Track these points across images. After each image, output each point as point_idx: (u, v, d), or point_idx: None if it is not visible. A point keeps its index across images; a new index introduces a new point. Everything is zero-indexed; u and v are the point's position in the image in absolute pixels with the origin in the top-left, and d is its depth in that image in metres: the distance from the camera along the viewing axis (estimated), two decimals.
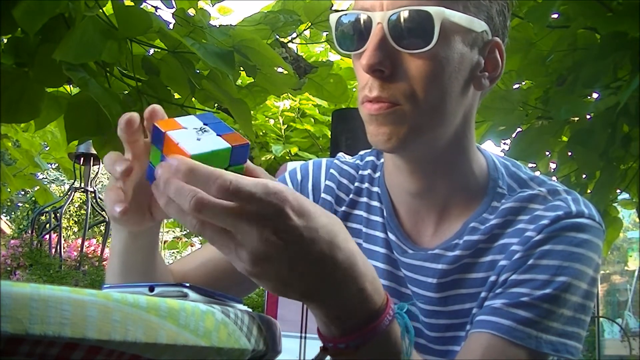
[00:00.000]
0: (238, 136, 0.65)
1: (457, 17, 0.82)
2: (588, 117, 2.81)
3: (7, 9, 1.73)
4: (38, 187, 4.22)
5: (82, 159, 5.83)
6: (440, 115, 0.85)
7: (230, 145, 0.63)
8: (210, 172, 0.58)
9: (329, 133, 3.94)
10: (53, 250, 6.21)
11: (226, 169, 0.61)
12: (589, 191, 2.93)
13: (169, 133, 0.63)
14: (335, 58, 3.83)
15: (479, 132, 3.12)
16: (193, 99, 2.16)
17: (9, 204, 11.49)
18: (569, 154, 2.96)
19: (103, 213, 6.42)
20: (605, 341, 8.18)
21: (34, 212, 8.76)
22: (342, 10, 0.88)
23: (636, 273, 9.39)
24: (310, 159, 1.10)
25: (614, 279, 9.94)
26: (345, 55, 2.97)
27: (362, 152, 1.07)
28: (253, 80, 2.38)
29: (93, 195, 6.22)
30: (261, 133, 4.58)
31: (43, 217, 6.86)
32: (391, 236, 0.96)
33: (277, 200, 0.58)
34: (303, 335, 1.84)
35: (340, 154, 1.09)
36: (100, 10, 1.88)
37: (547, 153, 3.19)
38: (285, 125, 4.59)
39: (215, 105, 2.50)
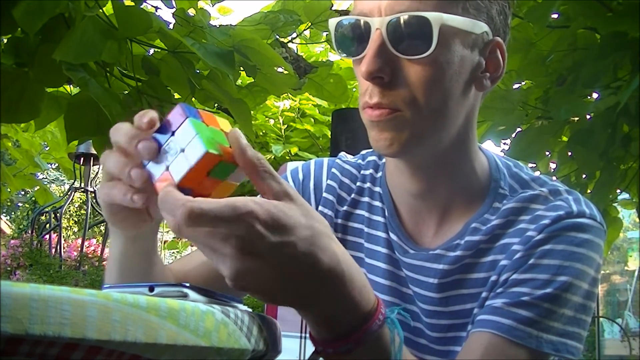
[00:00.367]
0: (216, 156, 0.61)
1: (456, 20, 0.81)
2: (588, 117, 2.81)
3: (7, 9, 1.73)
4: (38, 187, 4.22)
5: (82, 159, 5.83)
6: (442, 119, 0.85)
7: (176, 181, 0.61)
8: (175, 200, 0.58)
9: (329, 133, 3.94)
10: (53, 250, 6.22)
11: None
12: (589, 191, 2.93)
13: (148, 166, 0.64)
14: (335, 58, 3.83)
15: (479, 132, 3.10)
16: (193, 99, 2.16)
17: (9, 204, 11.49)
18: (569, 154, 2.96)
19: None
20: (605, 341, 8.18)
21: (34, 212, 8.76)
22: (342, 11, 0.87)
23: (636, 273, 9.39)
24: (310, 159, 1.10)
25: (614, 279, 9.94)
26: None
27: (363, 152, 1.07)
28: (253, 80, 2.38)
29: (93, 195, 6.21)
30: (261, 133, 4.58)
31: (43, 217, 6.86)
32: (393, 236, 0.96)
33: (246, 219, 0.57)
34: (303, 335, 1.84)
35: (342, 154, 1.09)
36: (100, 10, 1.88)
37: (547, 153, 3.19)
38: (285, 125, 4.60)
39: (215, 105, 2.50)
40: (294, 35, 2.68)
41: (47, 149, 4.12)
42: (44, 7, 1.71)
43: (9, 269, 6.39)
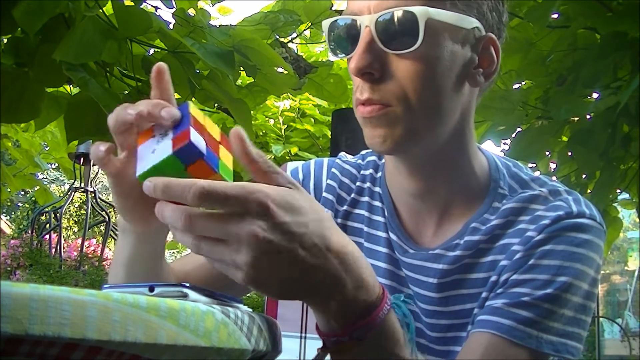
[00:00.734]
0: (185, 133, 0.62)
1: (443, 15, 0.82)
2: (588, 117, 2.81)
3: (7, 9, 1.73)
4: (38, 187, 4.22)
5: (82, 159, 5.82)
6: (435, 115, 0.85)
7: (170, 153, 0.61)
8: (183, 183, 0.58)
9: (329, 133, 3.94)
10: (53, 250, 6.22)
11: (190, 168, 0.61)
12: (589, 191, 2.93)
13: (139, 148, 0.64)
14: (335, 58, 3.83)
15: (479, 132, 3.11)
16: (193, 99, 2.16)
17: (9, 204, 11.49)
18: (569, 154, 2.96)
19: (103, 213, 6.42)
20: (605, 341, 8.19)
21: (34, 212, 8.76)
22: (342, 11, 0.88)
23: (636, 273, 9.39)
24: (310, 159, 1.10)
25: (614, 279, 9.94)
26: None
27: (363, 152, 1.07)
28: (253, 80, 2.38)
29: (93, 195, 6.22)
30: (261, 133, 4.58)
31: (43, 217, 6.86)
32: (392, 236, 0.96)
33: (259, 198, 0.58)
34: (303, 335, 1.84)
35: (342, 154, 1.09)
36: (100, 10, 1.88)
37: (547, 153, 3.19)
38: (285, 125, 4.59)
39: (215, 105, 2.50)
40: (294, 35, 2.68)
41: (47, 149, 4.12)
42: (44, 7, 1.71)
43: (9, 269, 6.39)
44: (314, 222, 0.62)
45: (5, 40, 2.01)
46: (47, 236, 6.33)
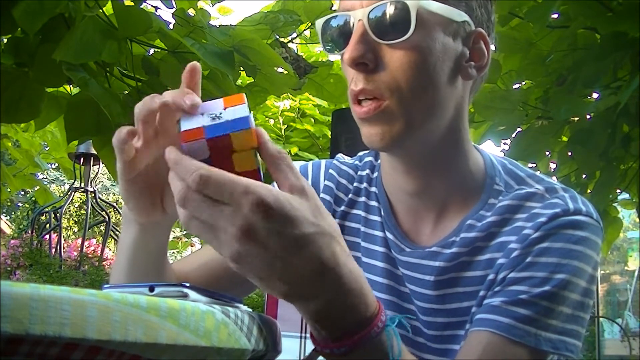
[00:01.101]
0: (251, 134, 0.63)
1: (434, 6, 0.83)
2: (588, 117, 2.81)
3: (7, 9, 1.73)
4: (38, 187, 4.22)
5: (82, 159, 5.83)
6: (429, 107, 0.86)
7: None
8: (189, 164, 0.60)
9: (329, 133, 3.94)
10: (53, 250, 6.21)
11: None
12: (589, 191, 2.94)
13: (181, 120, 0.65)
14: (335, 58, 3.83)
15: (479, 132, 3.12)
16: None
17: (9, 204, 11.50)
18: (569, 154, 2.96)
19: (103, 213, 6.42)
20: (605, 341, 8.19)
21: (34, 212, 8.76)
22: (337, 12, 0.89)
23: (636, 273, 9.39)
24: (310, 159, 1.11)
25: (614, 279, 9.95)
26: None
27: (361, 153, 1.07)
28: (253, 80, 2.38)
29: (93, 195, 6.22)
30: None
31: (43, 217, 6.86)
32: (389, 235, 0.96)
33: (252, 198, 0.59)
34: (303, 335, 1.84)
35: (340, 155, 1.09)
36: (100, 10, 1.88)
37: (547, 153, 3.20)
38: (285, 125, 4.60)
39: None
40: (294, 35, 2.68)
41: (47, 149, 4.12)
42: (44, 7, 1.71)
43: (9, 269, 6.38)
44: (305, 236, 0.61)
45: (5, 40, 2.01)
46: (47, 236, 6.33)
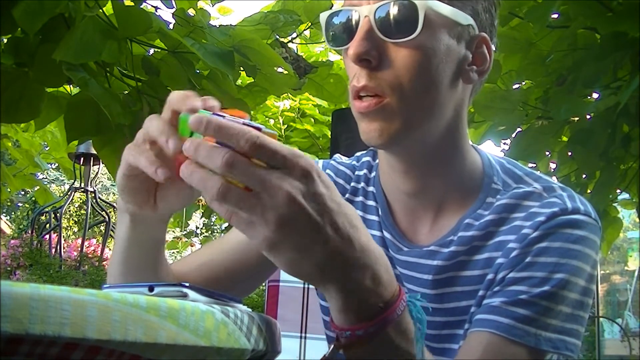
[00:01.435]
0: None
1: (442, 7, 0.83)
2: (588, 117, 2.81)
3: (7, 9, 1.73)
4: (38, 187, 4.22)
5: (82, 159, 5.83)
6: (429, 108, 0.86)
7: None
8: (239, 127, 0.60)
9: (329, 133, 3.94)
10: (53, 250, 6.21)
11: None
12: (589, 191, 2.94)
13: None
14: (335, 58, 3.83)
15: (479, 132, 3.12)
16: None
17: (9, 204, 11.50)
18: (569, 154, 2.96)
19: (103, 213, 6.42)
20: (605, 341, 8.18)
21: (34, 212, 8.76)
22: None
23: (636, 273, 9.38)
24: None
25: (614, 279, 9.93)
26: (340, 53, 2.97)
27: (358, 154, 1.08)
28: (253, 80, 2.38)
29: (93, 195, 6.22)
30: None
31: (43, 217, 6.86)
32: (386, 234, 0.96)
33: (305, 163, 0.60)
34: (303, 335, 1.84)
35: (337, 155, 1.10)
36: (100, 10, 1.88)
37: (547, 153, 3.20)
38: (285, 125, 4.59)
39: None
40: (294, 35, 2.67)
41: (47, 149, 4.12)
42: (44, 7, 1.71)
43: (9, 269, 6.38)
44: (345, 204, 0.64)
45: (5, 40, 2.01)
46: (47, 236, 6.33)
